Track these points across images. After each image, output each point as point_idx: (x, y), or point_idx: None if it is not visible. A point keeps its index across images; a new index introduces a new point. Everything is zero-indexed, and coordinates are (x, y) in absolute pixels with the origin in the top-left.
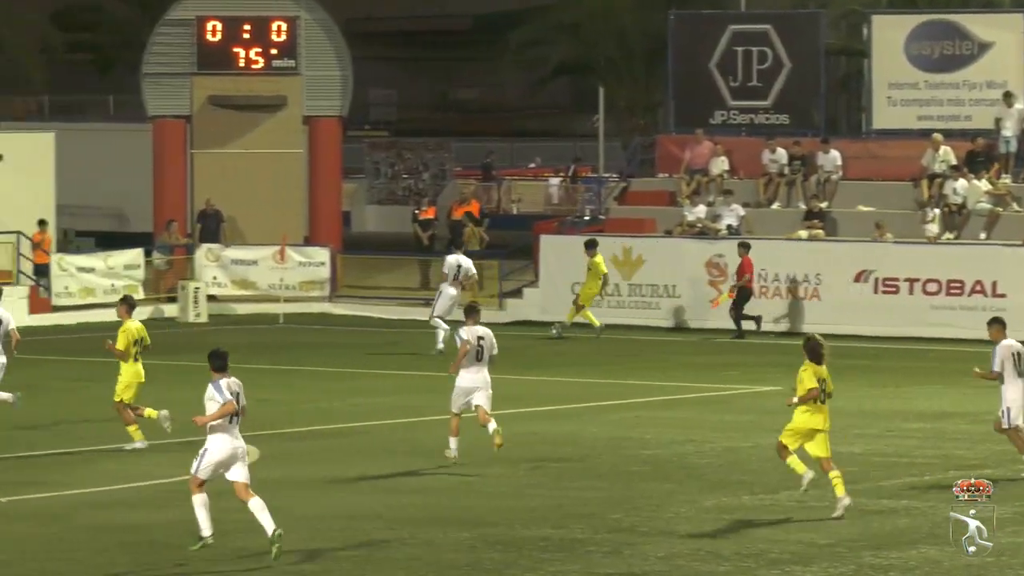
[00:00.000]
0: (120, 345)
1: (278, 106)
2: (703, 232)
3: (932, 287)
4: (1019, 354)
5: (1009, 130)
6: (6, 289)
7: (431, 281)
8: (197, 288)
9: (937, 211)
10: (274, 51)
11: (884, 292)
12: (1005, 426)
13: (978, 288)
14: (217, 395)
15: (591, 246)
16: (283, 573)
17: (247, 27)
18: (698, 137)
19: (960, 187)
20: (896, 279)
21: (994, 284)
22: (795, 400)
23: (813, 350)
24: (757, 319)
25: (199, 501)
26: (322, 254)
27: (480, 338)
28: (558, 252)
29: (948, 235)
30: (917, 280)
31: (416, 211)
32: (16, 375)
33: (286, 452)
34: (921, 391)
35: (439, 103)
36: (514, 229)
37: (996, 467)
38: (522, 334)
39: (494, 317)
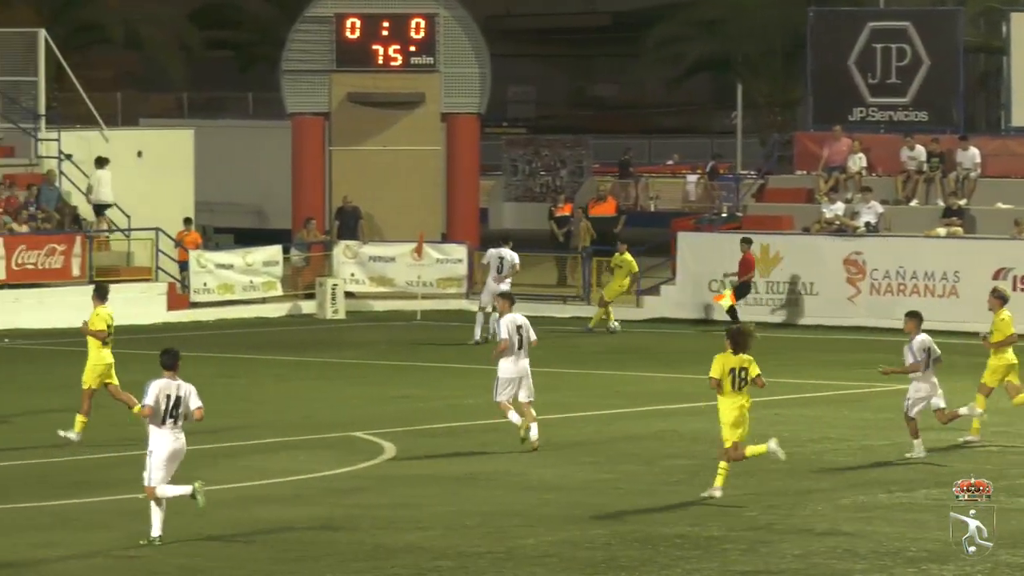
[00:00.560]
0: (99, 325)
1: (416, 103)
2: (841, 229)
3: None
4: (930, 348)
5: None
6: (144, 286)
7: (567, 278)
8: (335, 285)
9: None
10: (413, 48)
11: (1023, 290)
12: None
13: None
14: (147, 396)
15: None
16: (419, 570)
17: (386, 24)
18: (836, 134)
19: None
20: None
21: None
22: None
23: (734, 338)
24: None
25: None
26: (460, 251)
27: (519, 327)
28: (695, 249)
29: None
30: None
31: (553, 208)
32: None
33: (423, 448)
34: None
35: (577, 100)
36: (651, 226)
37: None
38: (659, 331)
39: (631, 314)
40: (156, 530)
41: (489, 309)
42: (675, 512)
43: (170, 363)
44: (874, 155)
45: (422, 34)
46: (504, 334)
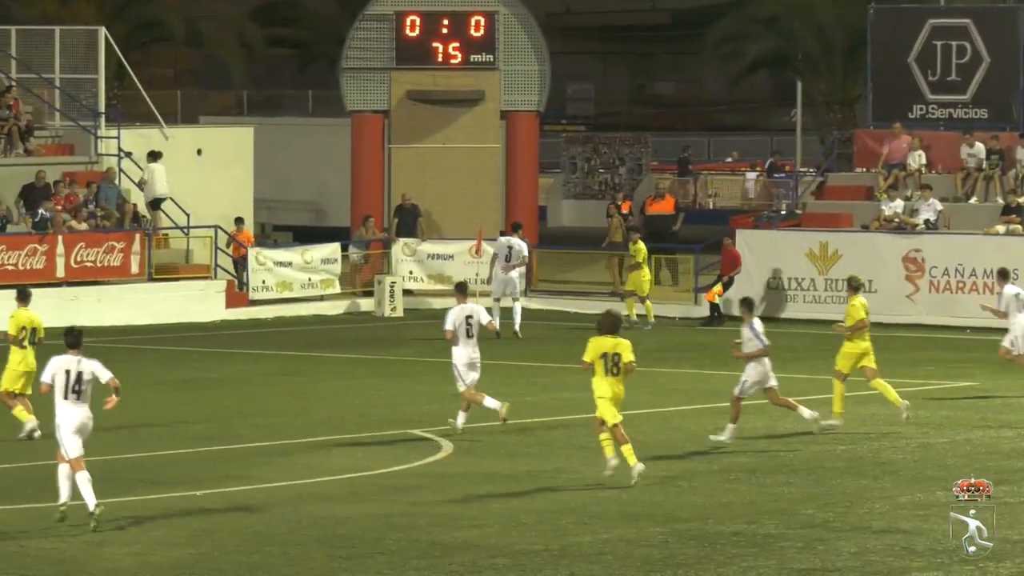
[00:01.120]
0: (11, 330)
1: (476, 101)
2: (900, 227)
3: None
4: (760, 332)
5: None
6: (203, 284)
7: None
8: (393, 283)
9: None
10: (472, 46)
11: None
12: (737, 394)
13: None
14: (44, 374)
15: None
16: (476, 568)
17: (445, 22)
18: (896, 131)
19: None
20: None
21: None
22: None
23: (602, 322)
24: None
25: (63, 472)
26: None
27: (468, 317)
28: (754, 247)
29: None
30: None
31: (611, 205)
32: (213, 369)
33: (481, 446)
34: None
35: (636, 97)
36: (710, 224)
37: None
38: (717, 329)
39: (690, 311)
40: (63, 496)
41: (500, 294)
42: (732, 510)
43: (73, 342)
44: (933, 152)
45: (482, 32)
46: (448, 325)
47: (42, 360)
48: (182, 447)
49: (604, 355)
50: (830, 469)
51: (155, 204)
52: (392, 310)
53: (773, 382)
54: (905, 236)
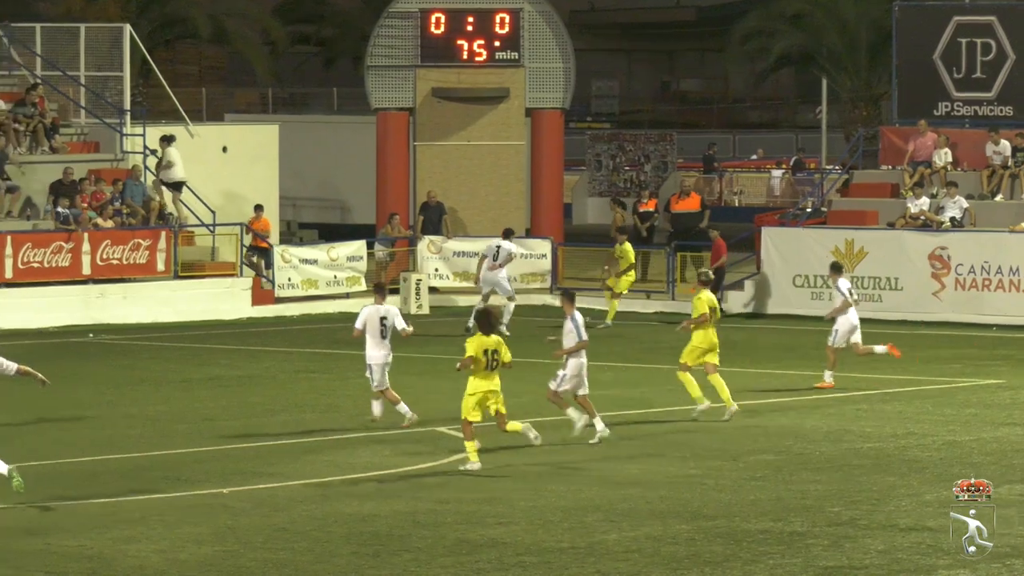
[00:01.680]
0: None
1: (501, 98)
2: (926, 224)
3: None
4: (581, 325)
5: None
6: (228, 281)
7: (649, 273)
8: (419, 280)
9: None
10: (497, 43)
11: None
12: (554, 388)
13: None
14: None
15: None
16: (503, 565)
17: (470, 19)
18: (922, 128)
19: None
20: None
21: None
22: (458, 367)
23: (481, 320)
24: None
25: None
26: (543, 246)
27: (383, 317)
28: (780, 245)
29: None
30: None
31: (637, 203)
32: (239, 366)
33: (506, 443)
34: None
35: (662, 95)
36: (735, 221)
37: None
38: (743, 327)
39: None
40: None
41: (487, 292)
42: (759, 507)
43: None
44: (959, 150)
45: (506, 29)
46: (358, 324)
47: None
48: (208, 444)
49: (486, 351)
50: (857, 467)
51: (176, 187)
52: (418, 307)
53: (585, 390)
54: (931, 234)
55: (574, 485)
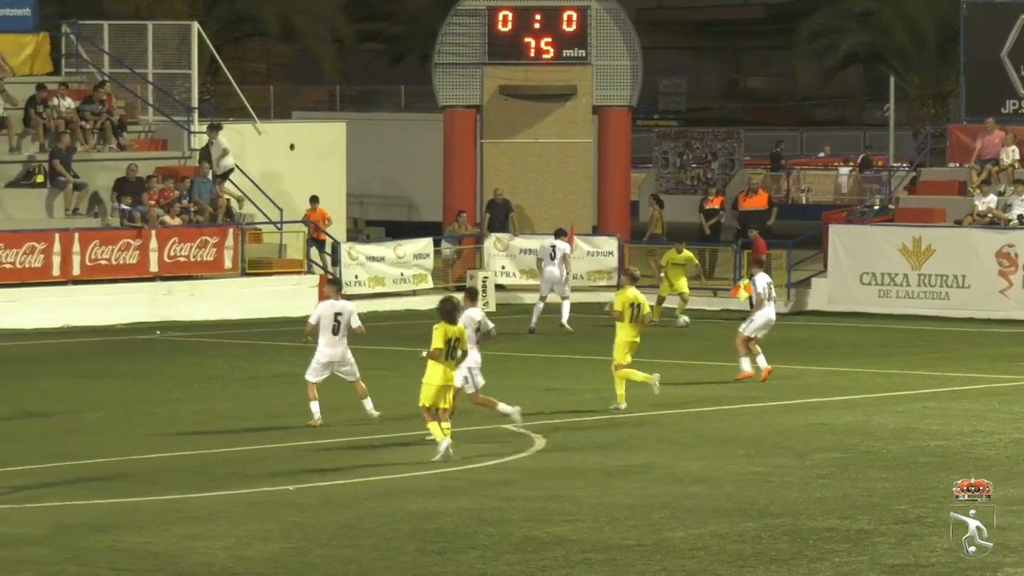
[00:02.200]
0: None
1: (568, 96)
2: (993, 222)
3: None
4: (482, 322)
5: None
6: (296, 278)
7: (714, 271)
8: (486, 278)
9: None
10: (564, 41)
11: None
12: (471, 390)
13: None
14: None
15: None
16: (568, 562)
17: (538, 17)
18: (989, 126)
19: None
20: None
21: None
22: (424, 355)
23: (447, 310)
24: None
25: None
26: (610, 243)
27: (338, 313)
28: (847, 242)
29: None
30: None
31: (703, 200)
32: (306, 363)
33: (572, 441)
34: None
35: (729, 92)
36: (803, 219)
37: None
38: (810, 324)
39: (781, 307)
40: None
41: (547, 292)
42: (825, 505)
43: None
44: None
45: (574, 27)
46: (312, 319)
47: None
48: (275, 442)
49: (449, 340)
50: (923, 464)
51: (224, 177)
52: (484, 305)
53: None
54: (998, 231)
55: (640, 483)
